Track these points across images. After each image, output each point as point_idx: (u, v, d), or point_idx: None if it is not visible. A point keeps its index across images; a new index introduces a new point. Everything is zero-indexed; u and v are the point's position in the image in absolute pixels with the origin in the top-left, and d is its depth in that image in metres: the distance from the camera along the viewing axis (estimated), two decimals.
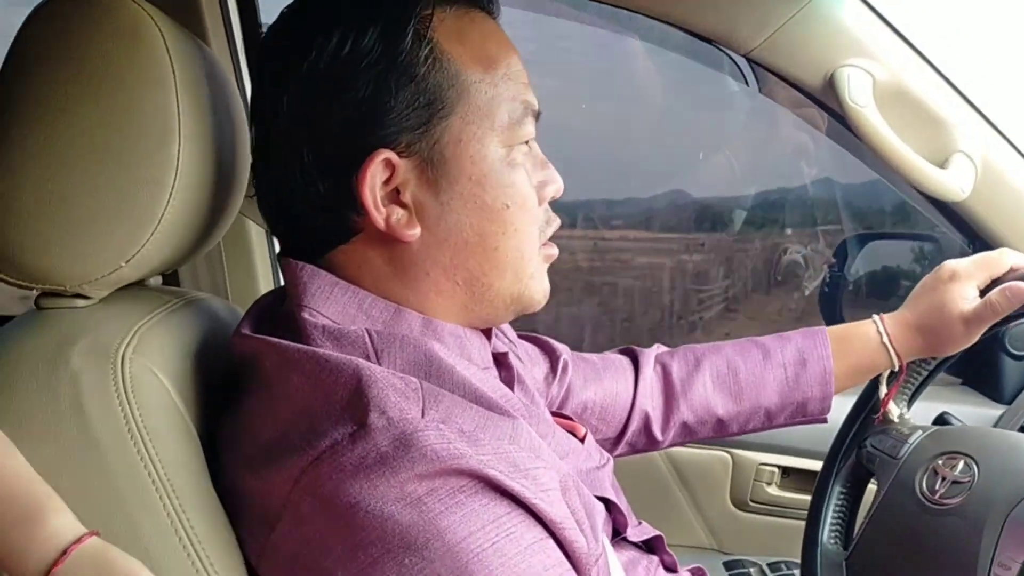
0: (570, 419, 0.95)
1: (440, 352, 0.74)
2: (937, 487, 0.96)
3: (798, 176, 2.63)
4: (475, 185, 0.74)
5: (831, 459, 1.14)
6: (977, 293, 1.02)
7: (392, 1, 0.73)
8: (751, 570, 1.38)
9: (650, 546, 0.94)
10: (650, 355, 1.12)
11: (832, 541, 1.12)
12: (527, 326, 1.08)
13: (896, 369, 1.07)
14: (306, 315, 0.74)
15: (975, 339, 1.03)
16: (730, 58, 1.30)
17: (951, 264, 1.04)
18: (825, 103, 1.24)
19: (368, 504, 0.63)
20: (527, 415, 0.78)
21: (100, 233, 0.71)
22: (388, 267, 0.76)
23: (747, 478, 1.49)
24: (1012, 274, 1.01)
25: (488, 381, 0.77)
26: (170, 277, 1.41)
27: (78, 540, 0.61)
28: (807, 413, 1.09)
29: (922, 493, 0.97)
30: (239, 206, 0.91)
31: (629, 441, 1.10)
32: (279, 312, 0.79)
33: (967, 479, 0.94)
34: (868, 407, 1.11)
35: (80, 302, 0.75)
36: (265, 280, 1.47)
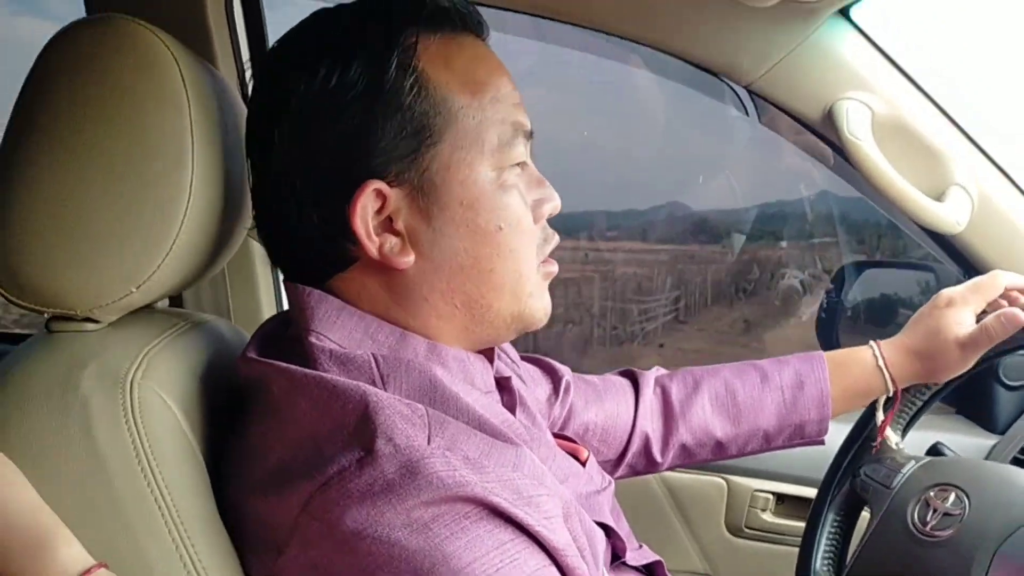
0: (573, 441, 0.96)
1: (444, 378, 0.75)
2: (929, 519, 0.97)
3: (797, 189, 2.65)
4: (467, 209, 0.75)
5: (826, 487, 1.15)
6: (973, 319, 1.04)
7: (375, 33, 0.74)
8: None
9: (650, 570, 0.95)
10: (650, 377, 1.13)
11: (825, 569, 1.13)
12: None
13: (891, 395, 1.09)
14: (313, 339, 0.75)
15: (971, 364, 1.04)
16: (731, 88, 1.31)
17: (948, 292, 1.07)
18: (824, 135, 1.26)
19: (375, 530, 0.64)
20: (529, 439, 0.79)
21: (112, 259, 0.72)
22: (386, 294, 0.77)
23: (742, 504, 1.50)
24: (1008, 299, 1.04)
25: (491, 407, 0.78)
26: (174, 297, 1.41)
27: (87, 572, 0.62)
28: (805, 435, 1.10)
29: (914, 524, 0.98)
30: (246, 229, 0.92)
31: (629, 463, 1.11)
32: (285, 336, 0.80)
33: (958, 511, 0.95)
34: (863, 435, 1.12)
35: (90, 326, 0.76)
36: (268, 301, 1.48)
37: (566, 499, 0.76)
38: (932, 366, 1.05)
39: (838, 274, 1.66)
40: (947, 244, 1.32)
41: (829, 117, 1.20)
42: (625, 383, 1.13)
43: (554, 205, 0.82)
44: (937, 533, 0.96)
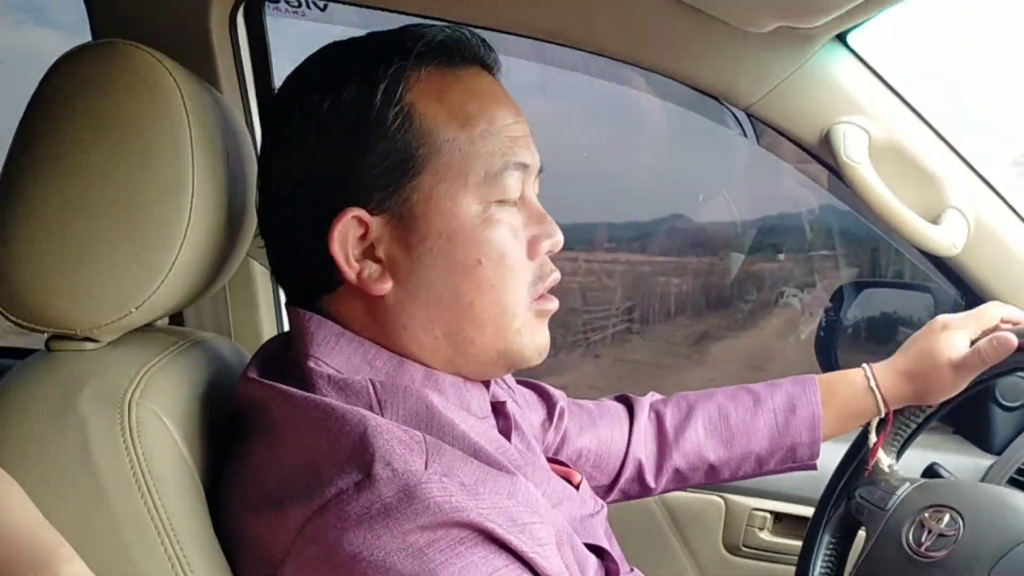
0: (566, 465, 0.97)
1: (439, 405, 0.76)
2: (923, 540, 0.98)
3: (802, 202, 2.66)
4: (446, 241, 0.76)
5: (821, 508, 1.15)
6: (968, 343, 1.05)
7: (367, 63, 0.76)
8: None
9: None
10: (645, 403, 1.14)
11: None
12: None
13: (883, 417, 1.09)
14: (312, 364, 0.76)
15: (963, 387, 1.05)
16: (730, 111, 1.33)
17: (944, 317, 1.08)
18: (822, 158, 1.27)
19: (371, 553, 0.64)
20: (524, 464, 0.80)
21: (111, 280, 0.73)
22: (369, 318, 0.78)
23: (740, 523, 1.50)
24: (1003, 326, 1.04)
25: (486, 433, 0.78)
26: (174, 316, 1.42)
27: None
28: (797, 459, 1.11)
29: (908, 545, 0.99)
30: (246, 250, 0.93)
31: (622, 488, 1.12)
32: (285, 359, 0.81)
33: (952, 533, 0.96)
34: (859, 457, 1.13)
35: (89, 345, 0.77)
36: (268, 320, 1.49)
37: (559, 526, 0.76)
38: (925, 387, 1.06)
39: (836, 294, 1.66)
40: (944, 266, 1.33)
41: (826, 141, 1.22)
42: (620, 408, 1.14)
43: (554, 242, 0.81)
44: (932, 554, 0.96)
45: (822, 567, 1.14)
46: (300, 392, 0.73)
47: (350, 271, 0.76)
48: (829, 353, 1.69)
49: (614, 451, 1.10)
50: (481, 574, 0.65)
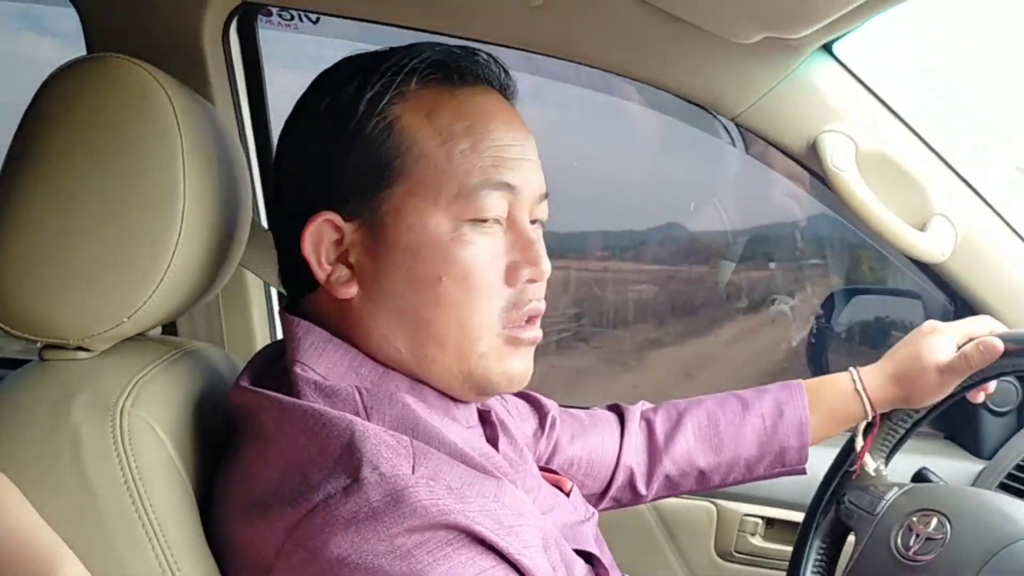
0: (556, 473, 0.98)
1: (423, 413, 0.76)
2: (912, 543, 0.98)
3: (798, 210, 2.67)
4: (409, 255, 0.76)
5: (811, 513, 1.16)
6: (954, 347, 1.06)
7: (363, 72, 0.78)
8: None
9: None
10: (635, 411, 1.15)
11: None
12: None
13: (870, 420, 1.10)
14: (298, 370, 0.77)
15: (949, 390, 1.06)
16: (719, 120, 1.34)
17: (933, 321, 1.09)
18: (809, 167, 1.28)
19: (359, 557, 0.65)
20: (513, 471, 0.81)
21: (104, 289, 0.74)
22: (339, 318, 0.80)
23: (732, 528, 1.50)
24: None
25: (472, 441, 0.79)
26: (168, 325, 1.43)
27: None
28: (786, 463, 1.11)
29: (897, 549, 0.99)
30: (239, 260, 0.94)
31: (614, 496, 1.12)
32: (277, 366, 0.82)
33: (940, 536, 0.97)
34: (847, 462, 1.14)
35: (82, 354, 0.78)
36: (262, 330, 1.50)
37: (545, 530, 0.77)
38: (911, 391, 1.07)
39: (826, 301, 1.67)
40: (932, 272, 1.34)
41: (813, 149, 1.23)
42: (611, 417, 1.15)
43: (535, 271, 0.79)
44: (920, 557, 0.97)
45: (812, 571, 1.15)
46: (288, 398, 0.74)
47: (320, 272, 0.78)
48: (819, 359, 1.70)
49: (605, 459, 1.11)
50: (468, 575, 0.66)
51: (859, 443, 1.11)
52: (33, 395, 0.73)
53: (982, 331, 1.06)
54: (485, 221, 0.77)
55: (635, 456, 1.12)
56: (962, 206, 1.26)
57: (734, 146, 1.39)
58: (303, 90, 0.83)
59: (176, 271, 0.77)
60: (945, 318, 1.12)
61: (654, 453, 1.12)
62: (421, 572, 0.65)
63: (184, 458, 0.76)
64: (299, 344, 0.78)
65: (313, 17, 1.41)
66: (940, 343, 1.06)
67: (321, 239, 0.77)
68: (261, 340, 1.49)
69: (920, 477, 1.18)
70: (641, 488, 1.12)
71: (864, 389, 1.09)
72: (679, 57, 1.21)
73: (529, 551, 0.70)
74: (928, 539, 0.97)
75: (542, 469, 0.96)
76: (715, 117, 1.32)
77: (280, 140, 0.83)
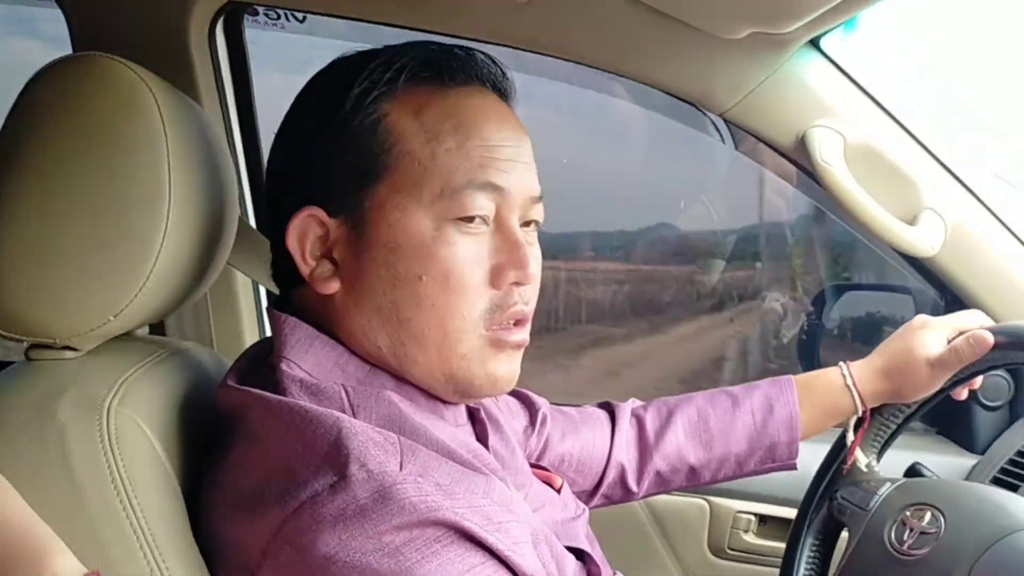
0: (547, 470, 0.97)
1: (410, 411, 0.76)
2: (905, 538, 0.98)
3: (790, 209, 2.68)
4: (390, 253, 0.76)
5: (804, 510, 1.16)
6: (945, 342, 1.06)
7: (356, 69, 0.78)
8: None
9: None
10: (626, 409, 1.14)
11: None
12: None
13: (860, 415, 1.10)
14: (284, 367, 0.76)
15: (939, 385, 1.06)
16: (707, 116, 1.34)
17: (923, 316, 1.09)
18: (798, 162, 1.28)
19: (347, 554, 0.65)
20: (504, 467, 0.81)
21: (90, 288, 0.74)
22: (322, 313, 0.80)
23: (724, 525, 1.50)
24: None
25: (460, 438, 0.79)
26: (156, 325, 1.42)
27: None
28: (776, 458, 1.11)
29: (891, 544, 0.99)
30: (226, 259, 0.93)
31: (605, 493, 1.12)
32: (264, 364, 0.81)
33: (934, 530, 0.96)
34: (839, 458, 1.14)
35: (69, 354, 0.77)
36: (251, 329, 1.49)
37: (535, 526, 0.77)
38: (901, 385, 1.07)
39: (817, 297, 1.68)
40: (923, 267, 1.34)
41: (802, 144, 1.23)
42: (602, 415, 1.15)
43: (520, 274, 0.78)
44: (914, 552, 0.96)
45: (806, 568, 1.15)
46: (274, 396, 0.74)
47: (304, 267, 0.78)
48: (811, 356, 1.70)
49: (596, 456, 1.11)
50: (457, 572, 0.66)
51: (850, 437, 1.11)
52: (20, 395, 0.73)
53: (972, 325, 1.05)
54: (471, 221, 0.76)
55: (626, 453, 1.11)
56: (951, 200, 1.26)
57: (723, 143, 1.39)
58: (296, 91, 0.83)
59: (162, 270, 0.76)
60: (936, 313, 1.12)
61: (645, 450, 1.12)
62: (410, 569, 0.65)
63: (171, 457, 0.76)
64: (286, 340, 0.78)
65: (300, 16, 1.41)
66: (930, 337, 1.05)
67: (306, 234, 0.77)
68: (249, 339, 1.48)
69: (913, 472, 1.18)
70: (632, 485, 1.12)
71: (854, 384, 1.09)
72: (667, 53, 1.21)
73: (519, 547, 0.70)
74: (922, 533, 0.97)
75: (533, 466, 0.95)
76: (704, 114, 1.32)
77: (276, 135, 0.83)
